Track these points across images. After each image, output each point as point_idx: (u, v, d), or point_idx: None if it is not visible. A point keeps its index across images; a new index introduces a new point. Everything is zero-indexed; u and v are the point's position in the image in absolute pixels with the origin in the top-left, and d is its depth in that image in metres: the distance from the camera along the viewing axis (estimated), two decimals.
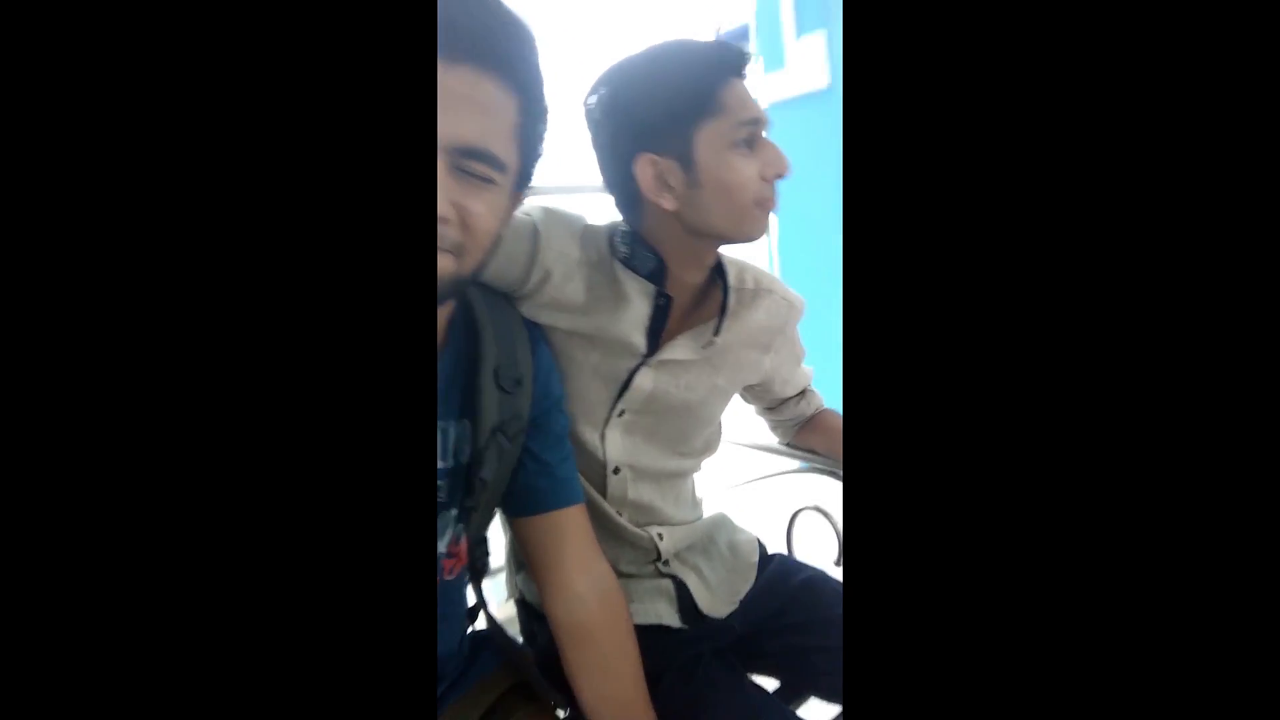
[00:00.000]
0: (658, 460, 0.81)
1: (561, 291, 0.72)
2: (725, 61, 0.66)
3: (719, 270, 0.76)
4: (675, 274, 0.72)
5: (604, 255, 0.74)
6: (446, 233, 0.50)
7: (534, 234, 0.71)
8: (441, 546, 0.66)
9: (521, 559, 0.85)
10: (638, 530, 0.81)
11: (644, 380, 0.76)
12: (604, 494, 0.80)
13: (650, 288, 0.73)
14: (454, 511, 0.66)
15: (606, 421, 0.77)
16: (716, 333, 0.76)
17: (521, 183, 0.59)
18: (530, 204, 0.72)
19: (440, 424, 0.63)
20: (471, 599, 0.77)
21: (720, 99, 0.65)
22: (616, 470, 0.79)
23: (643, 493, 0.81)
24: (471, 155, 0.50)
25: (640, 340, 0.74)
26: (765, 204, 0.68)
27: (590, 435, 0.78)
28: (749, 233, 0.70)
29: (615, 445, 0.79)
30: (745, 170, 0.66)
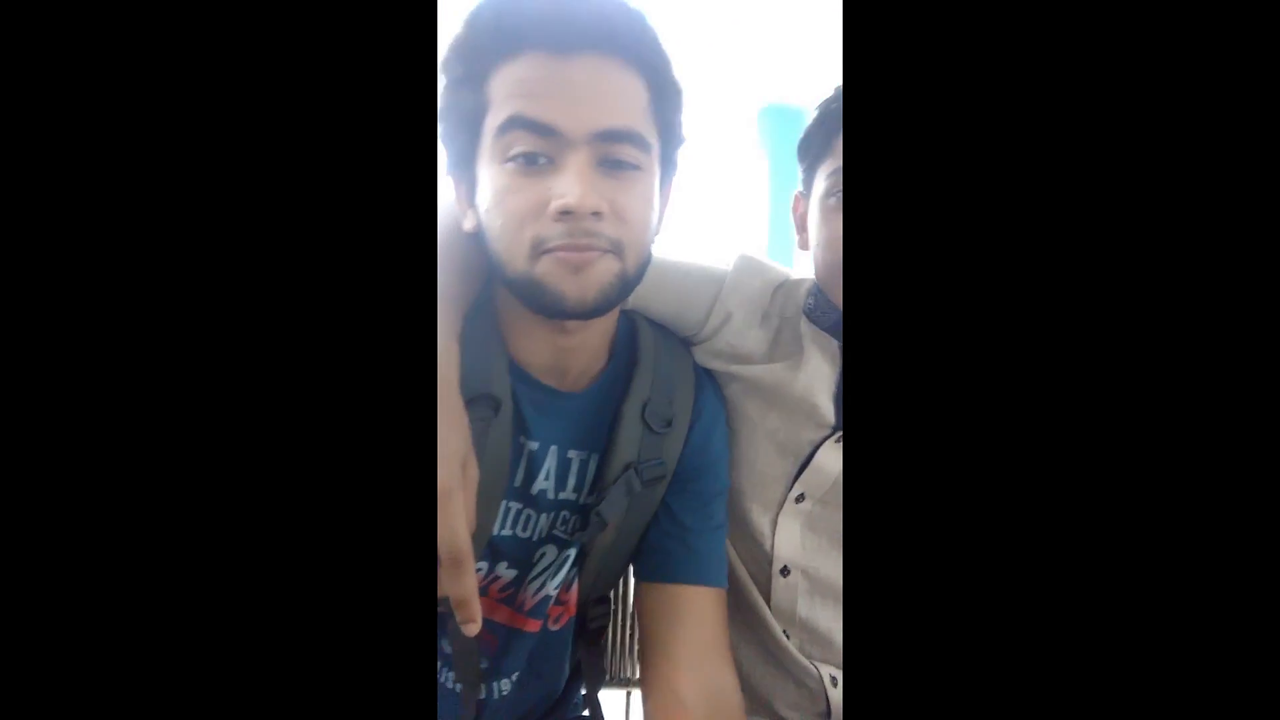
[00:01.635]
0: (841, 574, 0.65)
1: (742, 338, 0.66)
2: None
3: None
4: None
5: (797, 311, 0.67)
6: (603, 230, 0.48)
7: (721, 279, 0.67)
8: (551, 589, 0.61)
9: None
10: (805, 663, 0.66)
11: (828, 459, 0.64)
12: (768, 600, 0.67)
13: (834, 345, 0.63)
14: (572, 551, 0.61)
15: (781, 505, 0.65)
16: None
17: (667, 171, 0.57)
18: (726, 258, 0.70)
19: (580, 453, 0.60)
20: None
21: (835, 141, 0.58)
22: (785, 571, 0.66)
23: (819, 613, 0.66)
24: (614, 138, 0.49)
25: (827, 406, 0.63)
26: None
27: (759, 519, 0.66)
28: None
29: (789, 539, 0.66)
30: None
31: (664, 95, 0.53)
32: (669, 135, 0.55)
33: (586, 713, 0.70)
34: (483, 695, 0.62)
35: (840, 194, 0.58)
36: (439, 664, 0.61)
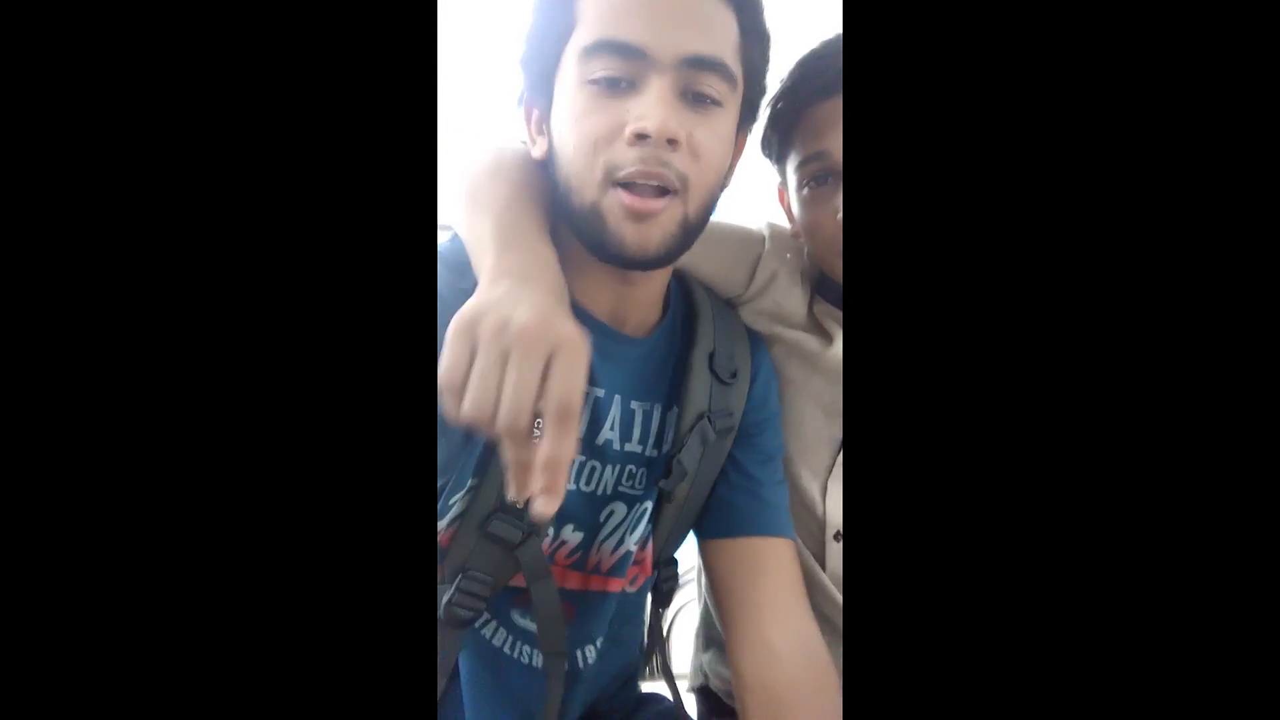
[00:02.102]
0: None
1: (786, 298, 0.66)
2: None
3: None
4: None
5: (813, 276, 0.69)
6: (674, 162, 0.46)
7: (762, 239, 0.67)
8: (631, 544, 0.60)
9: (710, 635, 0.77)
10: None
11: None
12: (822, 564, 0.66)
13: (840, 315, 0.66)
14: (648, 505, 0.60)
15: (830, 470, 0.65)
16: None
17: (746, 117, 0.55)
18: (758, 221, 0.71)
19: (643, 404, 0.58)
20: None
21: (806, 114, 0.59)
22: (839, 536, 0.65)
23: None
24: (702, 65, 0.47)
25: None
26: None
27: (809, 484, 0.66)
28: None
29: (840, 504, 0.65)
30: (819, 209, 0.60)
31: (754, 38, 0.52)
32: (754, 79, 0.53)
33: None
34: (567, 667, 0.59)
35: (811, 185, 0.60)
36: (515, 641, 0.60)
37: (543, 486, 0.39)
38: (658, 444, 0.59)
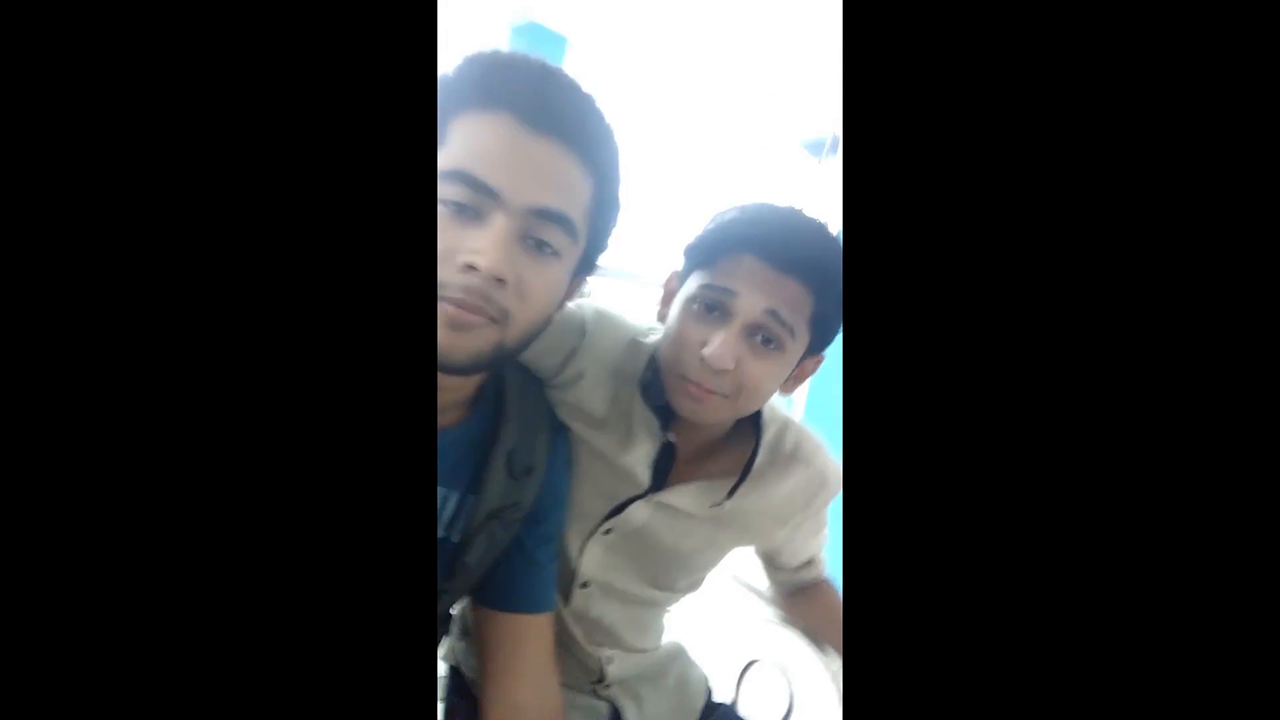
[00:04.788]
0: (632, 586, 0.77)
1: (588, 398, 0.70)
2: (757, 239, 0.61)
3: (754, 422, 0.71)
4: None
5: (639, 374, 0.71)
6: (497, 298, 0.49)
7: (581, 330, 0.69)
8: None
9: (467, 627, 0.82)
10: (589, 648, 0.78)
11: (638, 513, 0.72)
12: (566, 601, 0.77)
13: (655, 424, 0.69)
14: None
15: (591, 535, 0.74)
16: (730, 494, 0.71)
17: (582, 269, 0.58)
18: (586, 302, 0.71)
19: (443, 490, 0.61)
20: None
21: (727, 263, 0.60)
22: (586, 585, 0.76)
23: (606, 613, 0.78)
24: (548, 217, 0.50)
25: (645, 474, 0.71)
26: (688, 386, 0.61)
27: (571, 544, 0.75)
28: (674, 401, 0.63)
29: (593, 561, 0.75)
30: (689, 332, 0.61)
31: (607, 205, 0.55)
32: (596, 240, 0.57)
33: None
34: None
35: (700, 307, 0.62)
36: None
37: None
38: (448, 528, 0.62)
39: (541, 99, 0.49)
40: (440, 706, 0.81)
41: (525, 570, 0.67)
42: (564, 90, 0.50)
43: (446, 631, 0.70)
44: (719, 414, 0.64)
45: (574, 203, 0.51)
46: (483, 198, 0.48)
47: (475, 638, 0.70)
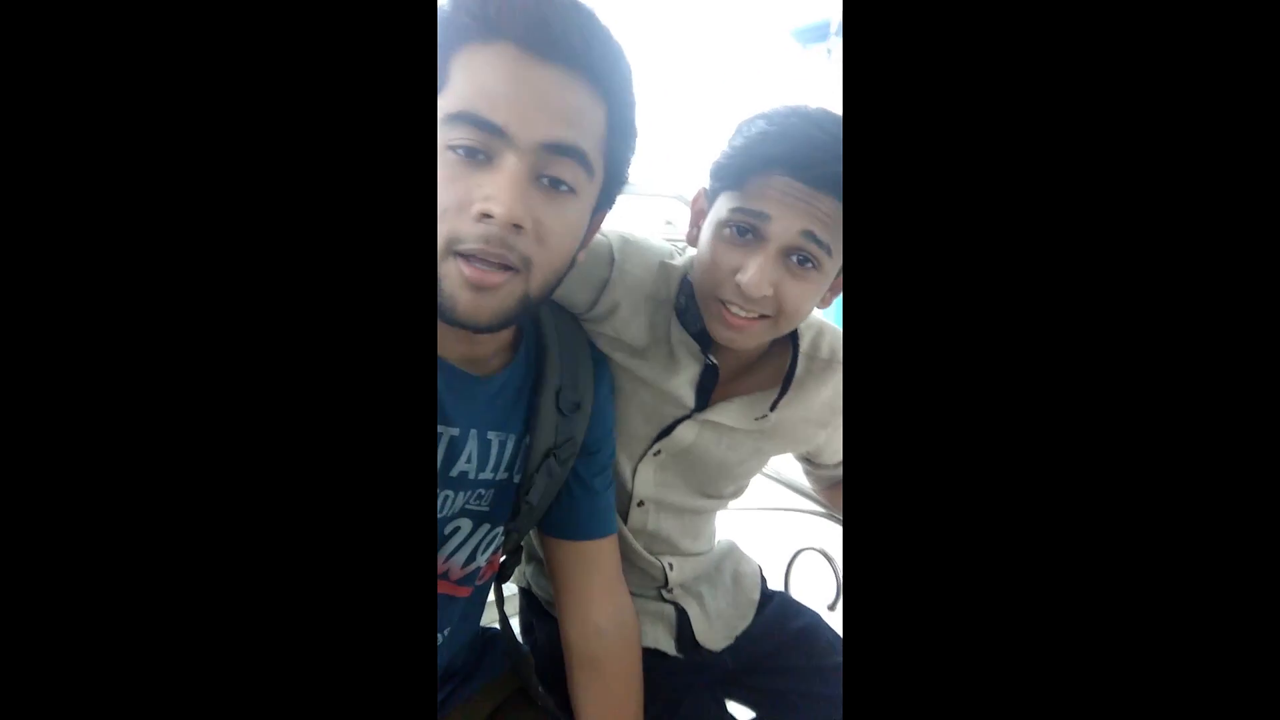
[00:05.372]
0: (684, 499, 0.82)
1: (626, 327, 0.71)
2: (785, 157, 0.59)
3: (791, 333, 0.72)
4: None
5: (672, 298, 0.71)
6: (518, 244, 0.47)
7: (610, 260, 0.69)
8: (482, 560, 0.67)
9: (533, 551, 0.88)
10: (650, 558, 0.83)
11: (686, 433, 0.76)
12: (625, 520, 0.82)
13: (696, 348, 0.70)
14: (497, 531, 0.66)
15: (641, 457, 0.78)
16: (773, 407, 0.74)
17: (602, 203, 0.56)
18: (609, 229, 0.70)
19: (499, 434, 0.62)
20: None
21: (757, 184, 0.59)
22: (641, 504, 0.80)
23: (663, 525, 0.83)
24: (561, 151, 0.47)
25: (689, 396, 0.73)
26: (725, 314, 0.61)
27: (624, 466, 0.78)
28: (711, 328, 0.64)
29: (645, 481, 0.79)
30: (723, 258, 0.61)
31: (622, 133, 0.52)
32: (614, 172, 0.54)
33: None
34: None
35: (732, 230, 0.61)
36: None
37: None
38: (509, 469, 0.64)
39: (542, 24, 0.46)
40: (514, 622, 0.88)
41: (586, 500, 0.71)
42: (564, 11, 0.47)
43: (510, 572, 0.76)
44: (759, 339, 0.65)
45: (587, 134, 0.49)
46: (490, 137, 0.46)
47: (547, 564, 0.76)
